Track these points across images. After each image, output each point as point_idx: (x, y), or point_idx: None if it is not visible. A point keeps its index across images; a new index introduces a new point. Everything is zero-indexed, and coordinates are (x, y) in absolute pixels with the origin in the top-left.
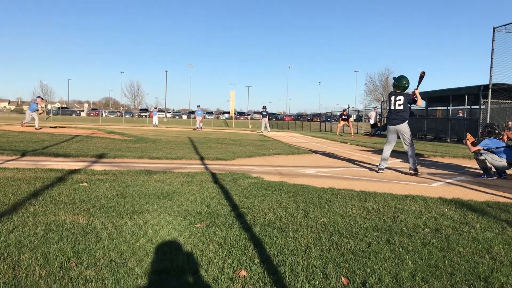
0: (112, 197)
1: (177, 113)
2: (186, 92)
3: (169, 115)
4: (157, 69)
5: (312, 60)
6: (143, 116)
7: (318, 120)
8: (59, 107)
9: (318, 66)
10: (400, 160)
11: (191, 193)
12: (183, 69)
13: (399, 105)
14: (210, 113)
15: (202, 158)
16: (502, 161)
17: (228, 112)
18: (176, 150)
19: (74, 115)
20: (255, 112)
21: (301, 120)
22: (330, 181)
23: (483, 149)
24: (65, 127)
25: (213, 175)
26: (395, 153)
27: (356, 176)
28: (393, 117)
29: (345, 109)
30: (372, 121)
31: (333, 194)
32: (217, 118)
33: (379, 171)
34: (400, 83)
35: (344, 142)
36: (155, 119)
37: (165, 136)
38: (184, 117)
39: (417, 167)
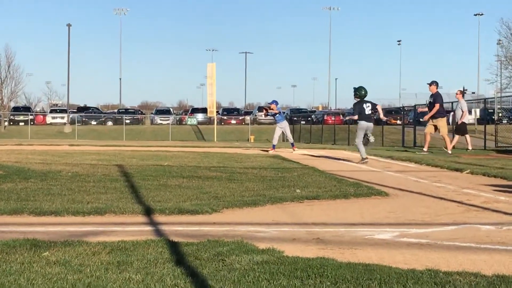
0: None
1: (91, 113)
2: (111, 73)
3: (76, 117)
4: (50, 26)
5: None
6: (21, 124)
7: (398, 122)
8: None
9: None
10: None
11: None
12: (102, 23)
13: (369, 110)
14: (165, 111)
15: (149, 210)
16: None
17: (203, 110)
18: (93, 193)
19: None
20: (260, 108)
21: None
22: (429, 255)
23: None
24: None
25: (173, 246)
26: None
27: (484, 244)
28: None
29: (434, 81)
30: (463, 119)
31: (436, 284)
32: (180, 122)
33: (363, 161)
34: (360, 92)
35: (455, 170)
36: None
37: (70, 163)
38: (109, 123)
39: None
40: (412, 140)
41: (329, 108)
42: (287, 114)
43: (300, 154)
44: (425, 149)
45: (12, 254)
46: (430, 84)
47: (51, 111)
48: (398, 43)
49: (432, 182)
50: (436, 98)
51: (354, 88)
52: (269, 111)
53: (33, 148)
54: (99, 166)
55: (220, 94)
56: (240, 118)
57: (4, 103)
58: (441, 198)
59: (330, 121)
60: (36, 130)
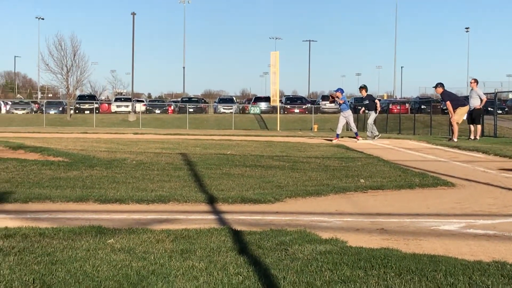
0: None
1: (156, 103)
2: (175, 62)
3: (140, 106)
4: (114, 15)
5: None
6: (87, 112)
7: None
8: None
9: None
10: None
11: (189, 276)
12: (165, 18)
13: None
14: (228, 100)
15: (211, 199)
16: None
17: (266, 99)
18: (157, 182)
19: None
20: (324, 97)
21: (426, 112)
22: (496, 246)
23: None
24: None
25: (236, 235)
26: None
27: None
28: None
29: (439, 83)
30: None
31: (503, 276)
32: (243, 110)
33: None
34: (366, 88)
35: None
36: None
37: (134, 152)
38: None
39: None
40: (487, 128)
41: (394, 97)
42: (351, 103)
43: (364, 144)
44: (454, 139)
45: (78, 241)
46: (436, 87)
47: (116, 100)
48: (466, 30)
49: (500, 172)
50: (443, 97)
51: (362, 86)
52: (335, 99)
53: (98, 136)
54: (163, 155)
55: (283, 83)
56: (304, 107)
57: (70, 91)
58: (509, 189)
59: (395, 110)
60: (101, 118)
